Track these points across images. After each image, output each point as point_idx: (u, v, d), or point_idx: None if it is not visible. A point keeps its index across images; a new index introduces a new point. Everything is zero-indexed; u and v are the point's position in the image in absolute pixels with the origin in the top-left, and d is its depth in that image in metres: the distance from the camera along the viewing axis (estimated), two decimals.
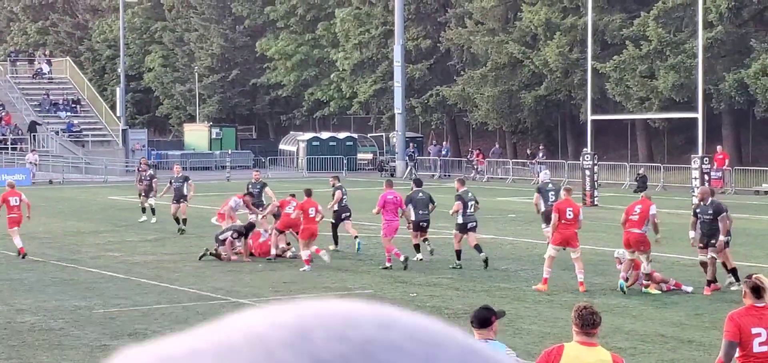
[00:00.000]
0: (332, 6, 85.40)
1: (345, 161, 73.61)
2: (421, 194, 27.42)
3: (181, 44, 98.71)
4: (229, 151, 79.51)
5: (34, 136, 70.32)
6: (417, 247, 26.77)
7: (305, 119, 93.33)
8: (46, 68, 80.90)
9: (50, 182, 62.31)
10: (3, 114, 72.52)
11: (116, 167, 69.93)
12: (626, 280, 21.93)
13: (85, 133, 74.17)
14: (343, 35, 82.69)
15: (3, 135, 70.05)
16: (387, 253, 25.27)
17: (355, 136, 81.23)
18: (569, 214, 22.31)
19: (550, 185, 28.97)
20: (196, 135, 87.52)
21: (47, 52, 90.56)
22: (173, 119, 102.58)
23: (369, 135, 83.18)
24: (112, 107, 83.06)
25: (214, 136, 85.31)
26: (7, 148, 68.78)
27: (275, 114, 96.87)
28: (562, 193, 23.86)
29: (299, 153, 77.98)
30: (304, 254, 24.74)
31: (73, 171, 66.89)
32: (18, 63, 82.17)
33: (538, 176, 34.73)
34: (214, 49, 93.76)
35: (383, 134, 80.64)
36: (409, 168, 68.86)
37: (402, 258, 24.81)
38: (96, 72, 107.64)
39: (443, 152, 72.07)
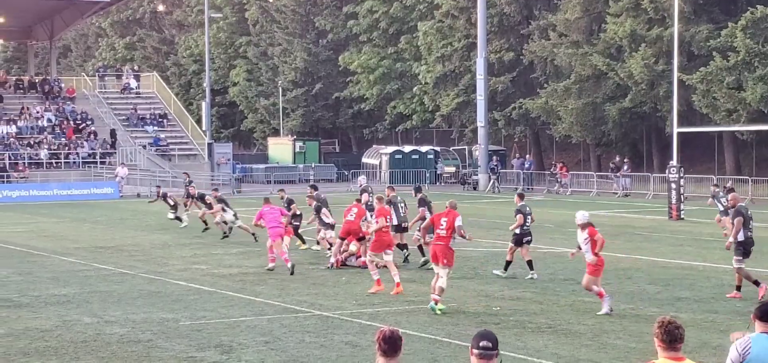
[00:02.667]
0: (415, 19, 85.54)
1: (427, 174, 73.61)
2: (399, 197, 29.91)
3: (265, 59, 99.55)
4: (313, 165, 79.97)
5: (121, 149, 71.34)
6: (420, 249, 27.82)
7: (388, 132, 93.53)
8: (133, 83, 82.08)
9: (138, 195, 63.20)
10: (92, 128, 73.71)
11: (202, 181, 70.59)
12: None
13: (171, 147, 75.09)
14: (426, 48, 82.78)
15: (92, 149, 71.17)
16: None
17: (438, 149, 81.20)
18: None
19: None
20: (280, 148, 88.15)
21: (135, 67, 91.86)
22: (257, 133, 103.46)
23: (451, 148, 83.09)
24: (198, 121, 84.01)
25: (297, 149, 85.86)
26: (96, 162, 69.88)
27: (358, 127, 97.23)
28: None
29: (382, 166, 78.17)
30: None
31: (160, 184, 67.65)
32: (106, 78, 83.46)
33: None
34: (298, 63, 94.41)
35: (466, 147, 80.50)
36: (492, 181, 68.66)
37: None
38: (182, 86, 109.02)
39: (526, 165, 71.74)
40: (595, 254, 20.84)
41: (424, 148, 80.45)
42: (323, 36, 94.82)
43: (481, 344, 8.27)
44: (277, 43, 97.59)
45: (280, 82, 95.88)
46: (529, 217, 26.35)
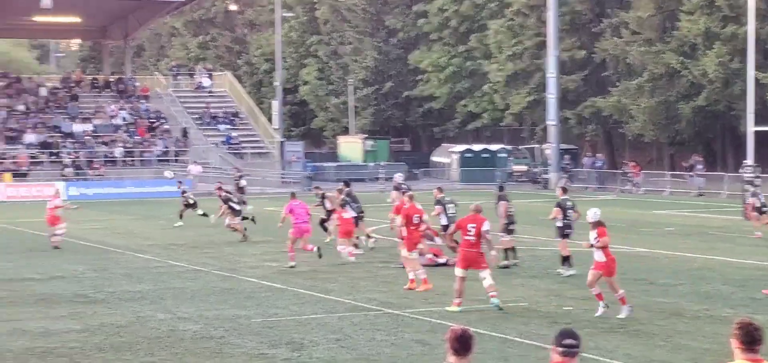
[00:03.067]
0: (485, 18, 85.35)
1: (498, 173, 73.41)
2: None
3: (335, 57, 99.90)
4: (383, 163, 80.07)
5: (193, 148, 72.01)
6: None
7: (458, 131, 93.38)
8: (206, 82, 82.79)
9: (211, 194, 63.62)
10: (165, 126, 74.47)
11: (273, 179, 71.11)
12: None
13: (243, 145, 75.65)
14: (496, 47, 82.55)
15: (165, 147, 71.92)
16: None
17: (509, 147, 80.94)
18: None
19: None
20: (351, 147, 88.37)
21: (208, 66, 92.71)
22: (328, 131, 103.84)
23: (522, 146, 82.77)
24: (269, 120, 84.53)
25: (367, 148, 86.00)
26: (169, 160, 70.61)
27: (428, 126, 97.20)
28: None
29: (452, 165, 78.07)
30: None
31: (231, 182, 68.14)
32: (179, 77, 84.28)
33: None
34: (368, 62, 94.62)
35: (536, 146, 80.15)
36: (563, 180, 68.28)
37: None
38: (254, 85, 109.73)
39: (598, 164, 71.25)
40: (600, 250, 20.57)
41: (494, 147, 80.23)
42: (393, 35, 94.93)
43: (565, 342, 8.28)
44: (347, 42, 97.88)
45: (350, 80, 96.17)
46: (569, 210, 26.48)
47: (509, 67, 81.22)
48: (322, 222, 34.89)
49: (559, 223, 26.56)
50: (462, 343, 8.45)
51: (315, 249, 28.50)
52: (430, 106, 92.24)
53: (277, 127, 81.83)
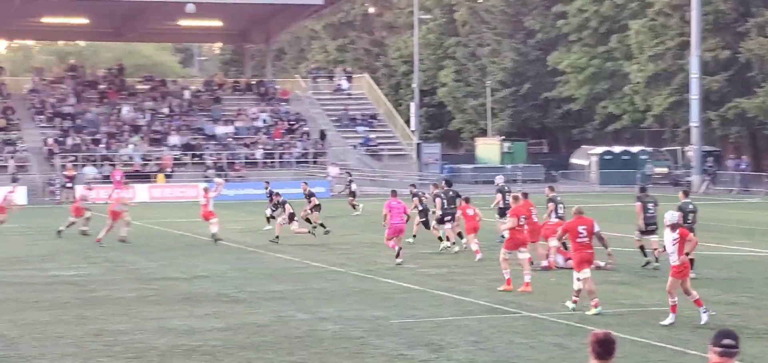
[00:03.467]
0: (626, 18, 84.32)
1: (638, 175, 72.48)
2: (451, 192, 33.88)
3: (473, 59, 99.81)
4: (521, 165, 79.71)
5: (332, 149, 72.73)
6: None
7: (597, 133, 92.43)
8: (345, 84, 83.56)
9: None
10: (305, 128, 75.38)
11: (411, 180, 71.30)
12: None
13: (381, 147, 76.12)
14: (637, 47, 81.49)
15: (305, 149, 72.81)
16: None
17: (649, 149, 79.82)
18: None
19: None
20: (488, 149, 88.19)
21: (347, 69, 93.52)
22: (465, 133, 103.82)
23: (663, 148, 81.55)
24: (407, 122, 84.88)
25: (505, 149, 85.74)
26: (308, 162, 71.46)
27: (567, 128, 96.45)
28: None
29: (591, 167, 77.31)
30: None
31: (369, 184, 68.72)
32: (319, 79, 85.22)
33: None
34: (507, 63, 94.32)
35: (678, 148, 78.88)
36: (705, 183, 67.07)
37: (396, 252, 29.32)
38: (391, 87, 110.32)
39: (742, 166, 69.77)
40: (680, 256, 20.05)
41: (634, 149, 79.19)
42: (532, 36, 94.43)
43: (723, 342, 8.28)
44: (485, 44, 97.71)
45: (488, 82, 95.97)
46: (650, 205, 28.25)
47: (650, 68, 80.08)
48: (424, 222, 35.18)
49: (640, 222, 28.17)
50: (604, 347, 8.44)
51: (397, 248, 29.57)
52: (568, 107, 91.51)
53: (414, 129, 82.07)
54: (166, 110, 75.69)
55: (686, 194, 27.89)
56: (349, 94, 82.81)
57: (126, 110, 74.37)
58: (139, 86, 79.94)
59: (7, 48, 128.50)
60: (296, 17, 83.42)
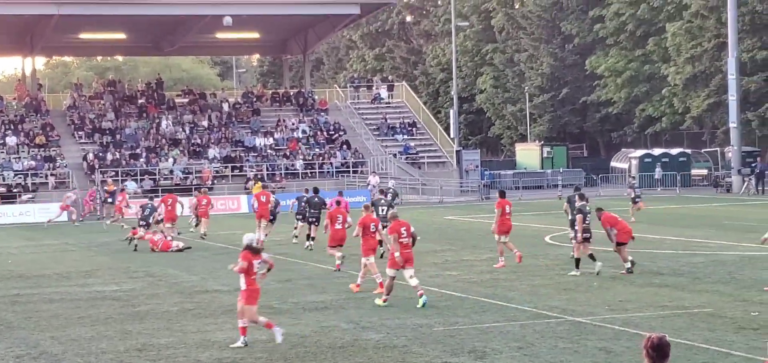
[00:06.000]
0: (663, 20, 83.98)
1: (678, 177, 72.13)
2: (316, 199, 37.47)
3: (511, 65, 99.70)
4: (561, 170, 79.54)
5: (372, 158, 72.86)
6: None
7: (636, 135, 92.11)
8: (384, 93, 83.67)
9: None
10: (344, 137, 75.56)
11: (451, 188, 71.41)
12: None
13: (421, 154, 76.17)
14: (675, 49, 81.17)
15: (345, 158, 72.99)
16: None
17: (689, 151, 79.47)
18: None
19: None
20: (528, 154, 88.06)
21: (389, 78, 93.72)
22: (505, 139, 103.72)
23: (703, 150, 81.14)
24: (446, 129, 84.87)
25: (545, 154, 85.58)
26: (349, 171, 71.60)
27: (606, 131, 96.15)
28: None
29: (631, 170, 77.03)
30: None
31: (410, 192, 68.82)
32: (357, 89, 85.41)
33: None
34: (544, 68, 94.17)
35: (718, 149, 78.46)
36: (746, 183, 66.62)
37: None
38: (430, 95, 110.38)
39: None
40: None
41: (674, 151, 78.84)
42: (569, 40, 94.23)
43: None
44: (523, 49, 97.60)
45: (526, 87, 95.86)
46: (588, 216, 27.97)
47: (688, 70, 79.73)
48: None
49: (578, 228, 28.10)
50: (659, 351, 8.48)
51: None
52: (607, 111, 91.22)
53: (454, 136, 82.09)
54: (205, 123, 76.09)
55: (582, 197, 29.44)
56: (387, 103, 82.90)
57: (165, 124, 74.83)
58: (178, 100, 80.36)
59: (46, 65, 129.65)
60: (333, 27, 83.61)
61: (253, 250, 19.70)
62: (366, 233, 25.92)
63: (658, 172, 74.58)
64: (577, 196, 30.06)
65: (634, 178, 51.04)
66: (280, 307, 24.00)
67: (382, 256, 29.42)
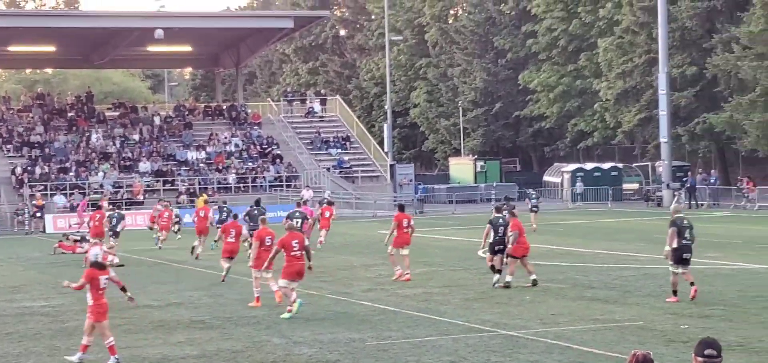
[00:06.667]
0: (595, 36, 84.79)
1: (610, 191, 72.77)
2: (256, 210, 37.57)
3: (445, 79, 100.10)
4: (494, 184, 79.91)
5: (306, 172, 72.68)
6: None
7: (569, 150, 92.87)
8: (317, 107, 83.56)
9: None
10: (278, 151, 75.32)
11: (385, 202, 71.40)
12: None
13: (354, 168, 76.13)
14: (606, 65, 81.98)
15: (278, 172, 72.73)
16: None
17: (620, 165, 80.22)
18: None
19: None
20: (462, 168, 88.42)
21: (322, 91, 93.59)
22: (439, 153, 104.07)
23: (634, 164, 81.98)
24: (380, 143, 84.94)
25: (478, 169, 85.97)
26: (282, 186, 71.34)
27: (538, 146, 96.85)
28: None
29: (563, 184, 77.60)
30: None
31: (344, 206, 68.69)
32: (291, 103, 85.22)
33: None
34: (478, 83, 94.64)
35: (649, 163, 79.31)
36: (676, 197, 67.37)
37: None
38: (364, 109, 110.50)
39: (712, 181, 70.10)
40: None
41: (606, 165, 79.56)
42: (502, 55, 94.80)
43: (706, 352, 8.39)
44: (456, 64, 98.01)
45: (460, 102, 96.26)
46: (501, 229, 28.04)
47: (619, 85, 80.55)
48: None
49: (491, 240, 28.55)
50: None
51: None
52: (540, 125, 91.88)
53: (387, 150, 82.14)
54: (136, 137, 75.45)
55: (498, 210, 29.82)
56: (321, 117, 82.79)
57: (95, 138, 74.08)
58: (109, 113, 79.63)
59: None
60: (266, 41, 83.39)
61: (99, 266, 19.70)
62: (261, 246, 26.40)
63: (579, 187, 75.33)
64: (494, 210, 30.55)
65: (532, 191, 53.11)
66: (211, 323, 23.80)
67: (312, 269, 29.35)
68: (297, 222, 33.19)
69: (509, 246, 28.01)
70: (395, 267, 30.84)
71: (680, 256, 24.66)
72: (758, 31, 68.18)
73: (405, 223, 31.05)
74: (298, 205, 42.22)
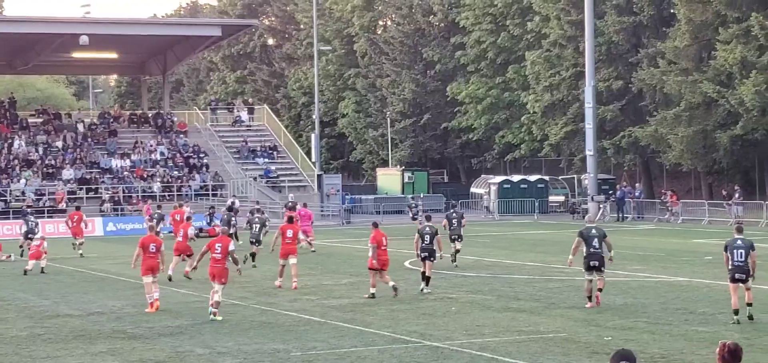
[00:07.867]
0: (522, 49, 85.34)
1: (536, 204, 73.20)
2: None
3: (373, 90, 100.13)
4: (422, 195, 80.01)
5: (232, 181, 72.24)
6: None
7: (496, 162, 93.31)
8: (244, 116, 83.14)
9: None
10: (205, 160, 74.79)
11: (312, 211, 71.12)
12: None
13: (281, 178, 75.84)
14: (534, 78, 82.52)
15: (204, 181, 72.23)
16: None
17: (547, 178, 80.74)
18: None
19: None
20: (389, 179, 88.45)
21: (250, 101, 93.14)
22: (366, 164, 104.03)
23: (560, 177, 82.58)
24: (308, 153, 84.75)
25: (406, 179, 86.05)
26: (208, 194, 70.86)
27: (466, 157, 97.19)
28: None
29: (490, 196, 77.94)
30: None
31: (270, 216, 68.29)
32: (218, 111, 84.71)
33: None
34: (406, 94, 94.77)
35: (575, 176, 79.93)
36: (601, 210, 67.94)
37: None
38: (292, 119, 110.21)
39: (636, 194, 70.80)
40: None
41: (532, 178, 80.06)
42: (431, 67, 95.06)
43: None
44: (385, 75, 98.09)
45: (388, 113, 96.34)
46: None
47: (546, 98, 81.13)
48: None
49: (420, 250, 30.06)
50: (734, 356, 9.06)
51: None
52: (467, 137, 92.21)
53: (315, 160, 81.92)
54: (59, 144, 74.50)
55: (428, 218, 31.72)
56: (248, 126, 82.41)
57: (18, 144, 73.03)
58: (32, 119, 78.59)
59: None
60: (193, 49, 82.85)
61: None
62: (145, 252, 27.19)
63: (486, 200, 76.13)
64: (424, 217, 32.70)
65: (413, 197, 56.95)
66: (134, 332, 23.51)
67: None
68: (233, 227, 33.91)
69: (373, 260, 28.63)
70: (280, 276, 31.43)
71: (588, 264, 25.97)
72: (683, 46, 69.06)
73: (289, 233, 31.42)
74: (230, 209, 42.20)
